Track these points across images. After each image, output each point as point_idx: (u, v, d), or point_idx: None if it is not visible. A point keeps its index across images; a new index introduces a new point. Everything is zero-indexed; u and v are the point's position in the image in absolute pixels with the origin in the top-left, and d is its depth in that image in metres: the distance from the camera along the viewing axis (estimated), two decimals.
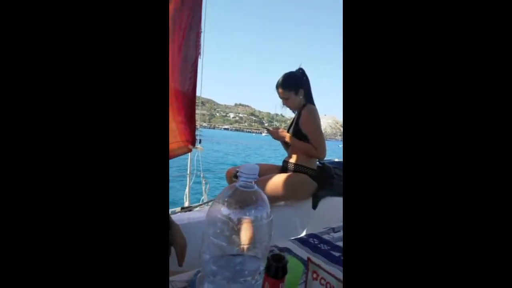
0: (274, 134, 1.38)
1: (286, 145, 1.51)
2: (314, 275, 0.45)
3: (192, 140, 1.40)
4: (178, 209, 1.29)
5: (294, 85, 1.40)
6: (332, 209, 1.30)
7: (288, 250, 0.73)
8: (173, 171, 1.94)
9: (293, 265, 0.55)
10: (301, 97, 1.41)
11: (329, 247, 0.77)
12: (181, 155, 1.42)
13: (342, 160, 2.06)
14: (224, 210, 0.38)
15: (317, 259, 0.70)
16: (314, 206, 1.34)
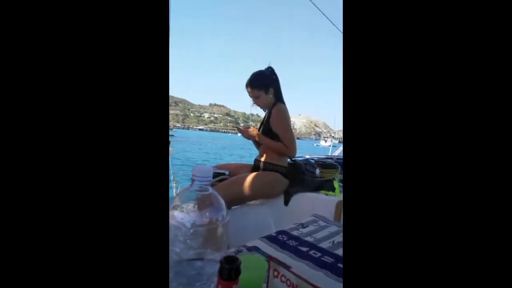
0: (244, 133, 1.38)
1: (257, 144, 1.52)
2: (275, 273, 0.45)
3: None
4: None
5: (264, 84, 1.40)
6: (303, 205, 1.32)
7: (257, 249, 0.74)
8: None
9: (259, 264, 0.55)
10: (271, 96, 1.42)
11: (297, 243, 0.79)
12: None
13: (312, 156, 2.12)
14: (178, 215, 0.37)
15: (285, 256, 0.71)
16: (286, 203, 1.36)
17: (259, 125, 1.54)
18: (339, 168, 1.54)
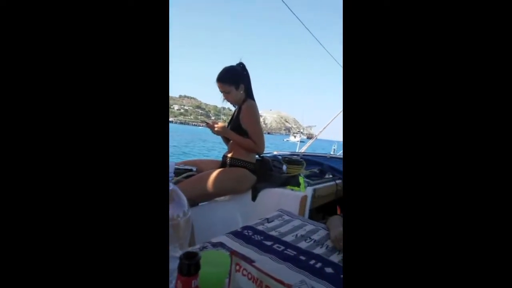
0: (212, 128, 1.36)
1: (226, 140, 1.51)
2: (237, 267, 0.46)
3: None
4: None
5: (234, 80, 1.39)
6: (270, 200, 1.35)
7: (222, 245, 0.74)
8: None
9: (222, 259, 0.56)
10: (241, 92, 1.42)
11: (262, 237, 0.81)
12: None
13: (280, 153, 2.16)
14: None
15: (249, 250, 0.72)
16: (254, 198, 1.38)
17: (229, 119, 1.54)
18: (304, 164, 1.59)
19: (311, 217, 1.31)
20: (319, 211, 1.58)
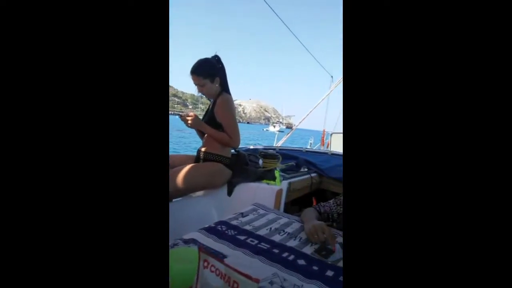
0: (185, 121, 1.31)
1: (201, 133, 1.48)
2: (205, 264, 0.45)
3: None
4: None
5: (210, 73, 1.35)
6: (246, 194, 1.35)
7: (194, 241, 0.72)
8: None
9: (192, 256, 0.54)
10: (217, 85, 1.38)
11: (236, 232, 0.80)
12: None
13: (256, 147, 2.16)
14: None
15: (222, 245, 0.71)
16: (229, 193, 1.37)
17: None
18: (280, 158, 1.60)
19: (286, 210, 1.33)
20: (295, 204, 1.61)
